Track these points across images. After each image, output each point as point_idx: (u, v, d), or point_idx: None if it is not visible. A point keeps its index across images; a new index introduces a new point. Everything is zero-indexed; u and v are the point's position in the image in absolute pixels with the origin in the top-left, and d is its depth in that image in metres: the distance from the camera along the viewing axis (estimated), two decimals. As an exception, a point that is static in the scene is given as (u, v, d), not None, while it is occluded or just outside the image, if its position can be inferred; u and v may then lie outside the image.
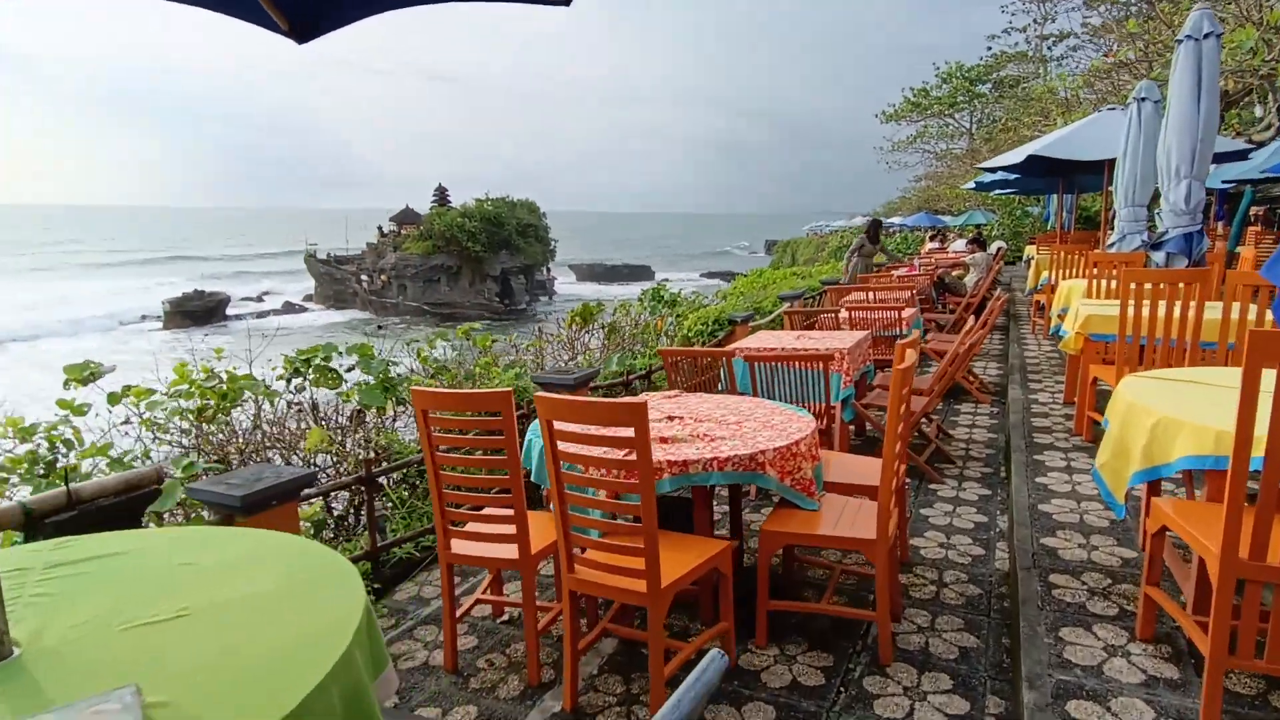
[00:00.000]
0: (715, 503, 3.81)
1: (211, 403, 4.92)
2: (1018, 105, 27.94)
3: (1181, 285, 4.35)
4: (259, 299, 55.63)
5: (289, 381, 5.30)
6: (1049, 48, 35.97)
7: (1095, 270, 6.87)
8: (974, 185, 13.03)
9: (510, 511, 2.88)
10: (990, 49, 39.01)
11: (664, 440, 3.14)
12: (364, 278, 50.28)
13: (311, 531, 4.50)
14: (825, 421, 4.77)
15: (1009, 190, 15.28)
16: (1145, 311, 4.39)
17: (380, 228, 51.97)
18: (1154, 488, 3.04)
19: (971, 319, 9.53)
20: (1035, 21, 36.57)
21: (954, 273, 11.99)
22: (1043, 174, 11.52)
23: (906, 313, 7.32)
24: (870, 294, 8.95)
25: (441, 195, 52.28)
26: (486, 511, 3.08)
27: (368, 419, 5.59)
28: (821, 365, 4.61)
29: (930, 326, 9.88)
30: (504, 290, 50.16)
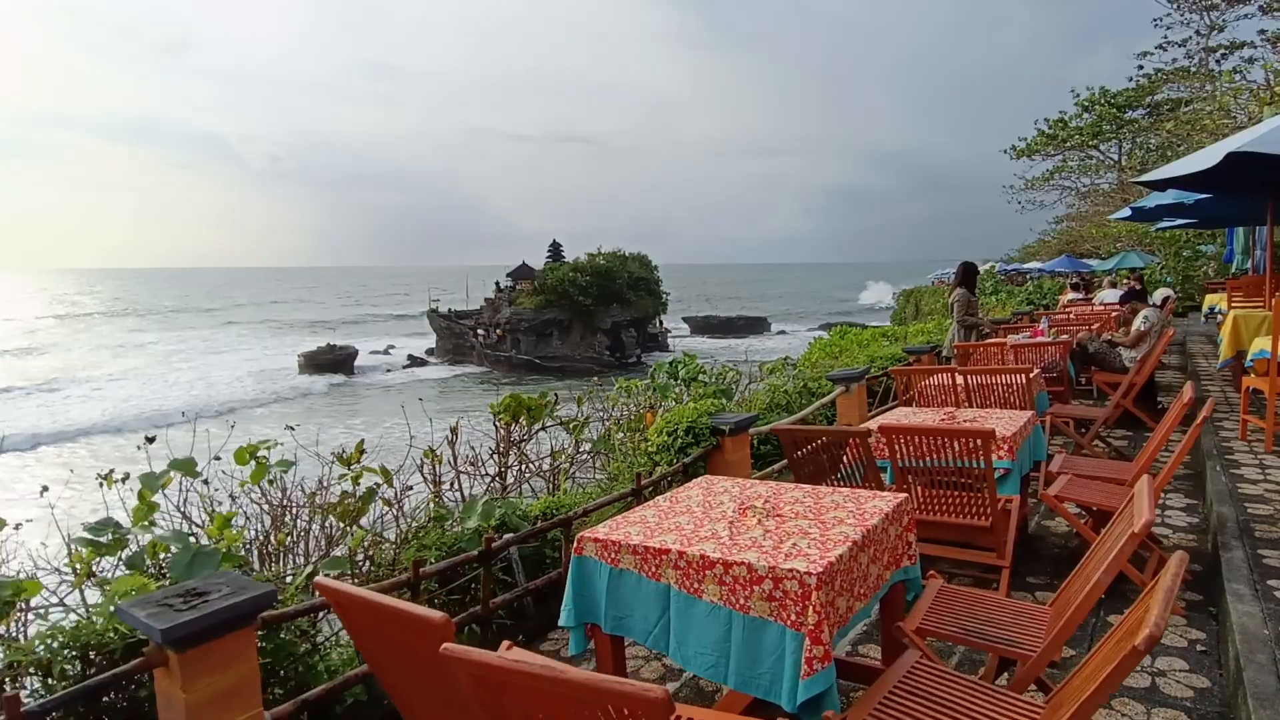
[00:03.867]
0: None
1: None
2: (1181, 126, 23.23)
3: None
4: (385, 352, 57.35)
5: None
6: (1216, 61, 30.72)
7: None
8: (1129, 213, 9.34)
9: None
10: (1141, 68, 33.91)
11: None
12: (480, 332, 50.67)
13: None
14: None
15: (1181, 222, 11.32)
16: None
17: (498, 283, 52.50)
18: None
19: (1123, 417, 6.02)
20: (1198, 33, 31.45)
21: (1104, 335, 8.32)
22: (1244, 191, 7.73)
23: (1010, 426, 4.01)
24: (959, 380, 5.61)
25: (555, 250, 52.93)
26: None
27: None
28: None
29: (1064, 427, 6.34)
30: (614, 344, 49.47)
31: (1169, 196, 8.85)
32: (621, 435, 6.57)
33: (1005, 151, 39.82)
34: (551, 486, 6.18)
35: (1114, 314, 11.01)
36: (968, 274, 8.32)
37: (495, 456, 6.09)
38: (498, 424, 5.94)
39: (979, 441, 3.36)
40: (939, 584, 2.84)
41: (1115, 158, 37.17)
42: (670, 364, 8.71)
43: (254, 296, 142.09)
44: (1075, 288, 17.48)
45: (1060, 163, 39.10)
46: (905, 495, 2.82)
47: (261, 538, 4.28)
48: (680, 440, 4.91)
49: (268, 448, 4.50)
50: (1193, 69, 31.44)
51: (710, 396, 6.99)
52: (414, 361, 53.51)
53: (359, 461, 4.98)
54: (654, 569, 2.48)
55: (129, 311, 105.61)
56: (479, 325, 51.07)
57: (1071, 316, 10.98)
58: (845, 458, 3.96)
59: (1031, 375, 5.42)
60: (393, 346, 59.41)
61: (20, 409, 35.46)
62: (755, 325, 72.25)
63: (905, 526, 2.79)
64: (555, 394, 6.63)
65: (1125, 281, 15.37)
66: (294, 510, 4.64)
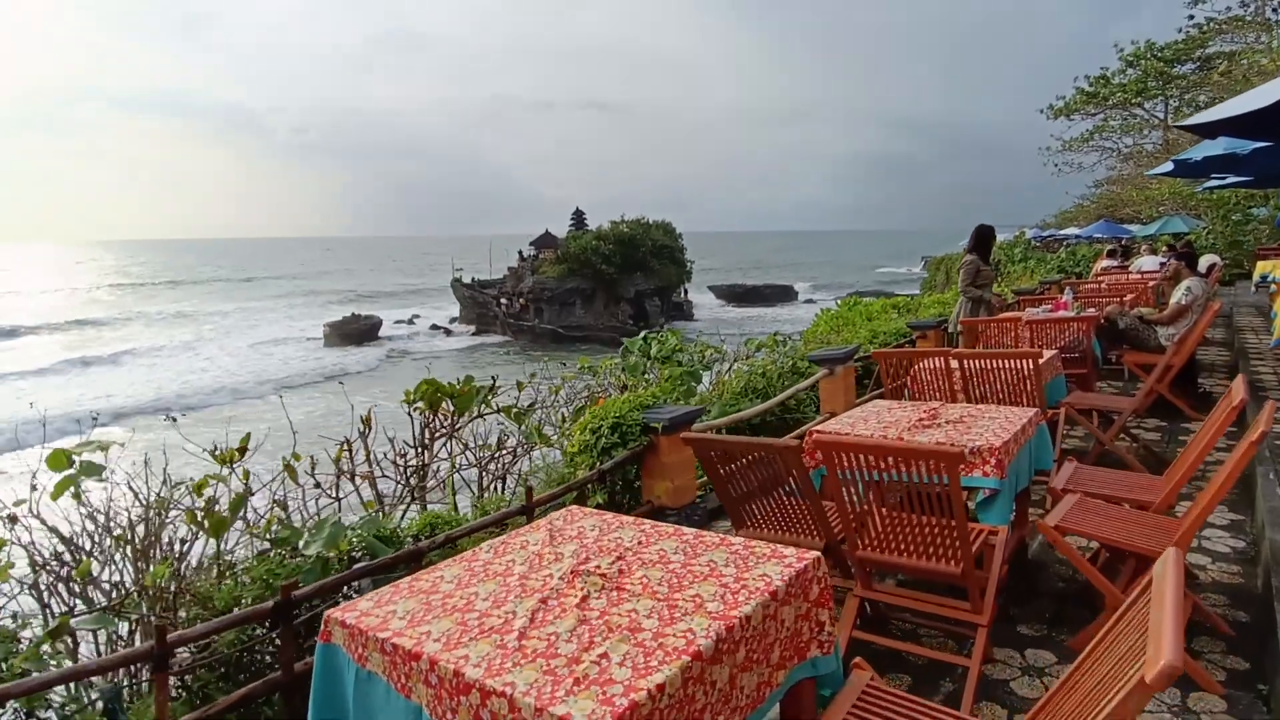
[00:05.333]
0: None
1: None
2: (1237, 67, 21.46)
3: None
4: (410, 321, 57.52)
5: None
6: (1274, 9, 28.57)
7: None
8: (1171, 167, 8.20)
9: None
10: (1192, 18, 31.72)
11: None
12: (503, 301, 50.56)
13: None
14: None
15: (1232, 180, 10.08)
16: None
17: (520, 252, 52.22)
18: None
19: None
20: (1253, -23, 29.20)
21: (1134, 310, 7.26)
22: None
23: (1002, 431, 3.09)
24: (954, 365, 4.67)
25: (579, 219, 52.56)
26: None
27: None
28: None
29: (1084, 420, 5.35)
30: (638, 313, 49.13)
31: (1219, 146, 7.64)
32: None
33: (1042, 111, 37.79)
34: (497, 485, 5.39)
35: (1151, 284, 9.89)
36: (981, 238, 7.28)
37: (419, 451, 5.31)
38: (412, 414, 5.12)
39: (944, 464, 2.45)
40: (865, 679, 1.97)
41: (1161, 116, 35.04)
42: (644, 340, 7.83)
43: (284, 267, 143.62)
44: (1111, 255, 16.13)
45: (1101, 122, 37.00)
46: (816, 556, 1.93)
47: (78, 561, 3.52)
48: (604, 440, 4.04)
49: (95, 448, 3.73)
50: (1248, 17, 29.31)
51: (675, 379, 6.14)
52: (437, 331, 53.51)
53: (239, 460, 4.23)
54: (403, 680, 1.63)
55: (172, 282, 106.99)
56: (502, 295, 51.00)
57: (1103, 286, 9.86)
58: (794, 472, 3.08)
59: (1041, 360, 4.46)
60: (417, 316, 59.64)
61: (92, 382, 35.06)
62: (783, 294, 70.92)
63: (814, 601, 1.91)
64: (494, 377, 5.80)
65: (1166, 251, 14.05)
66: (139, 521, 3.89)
